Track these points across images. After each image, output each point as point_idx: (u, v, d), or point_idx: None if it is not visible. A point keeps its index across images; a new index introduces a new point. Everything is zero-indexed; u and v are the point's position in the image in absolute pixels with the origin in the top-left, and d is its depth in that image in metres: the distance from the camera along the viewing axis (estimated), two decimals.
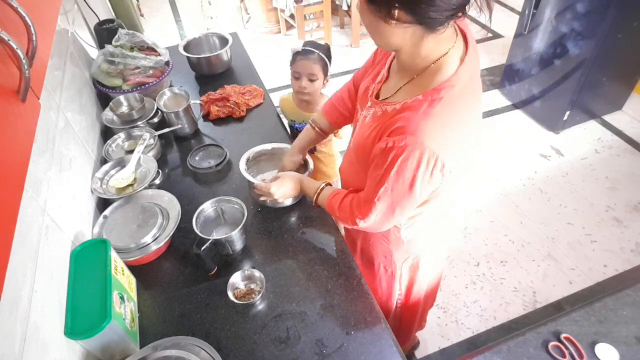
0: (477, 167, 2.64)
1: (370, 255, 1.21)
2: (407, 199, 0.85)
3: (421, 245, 1.13)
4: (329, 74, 1.47)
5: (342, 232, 1.45)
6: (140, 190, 1.23)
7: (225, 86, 1.73)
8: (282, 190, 1.13)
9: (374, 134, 0.86)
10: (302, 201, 1.27)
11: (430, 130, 0.75)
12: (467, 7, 0.73)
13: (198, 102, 1.62)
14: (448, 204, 1.06)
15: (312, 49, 1.40)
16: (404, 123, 0.77)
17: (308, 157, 1.31)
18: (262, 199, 1.18)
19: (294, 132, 1.63)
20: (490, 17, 0.75)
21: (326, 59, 1.42)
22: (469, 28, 0.84)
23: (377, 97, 0.93)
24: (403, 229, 1.05)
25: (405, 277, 1.23)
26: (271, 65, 3.70)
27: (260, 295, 1.01)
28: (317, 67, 1.41)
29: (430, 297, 1.43)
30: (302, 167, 1.30)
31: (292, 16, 3.80)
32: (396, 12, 0.70)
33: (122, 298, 0.93)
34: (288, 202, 1.24)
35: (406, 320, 1.43)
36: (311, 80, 1.43)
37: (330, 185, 1.11)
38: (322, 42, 1.47)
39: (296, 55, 1.43)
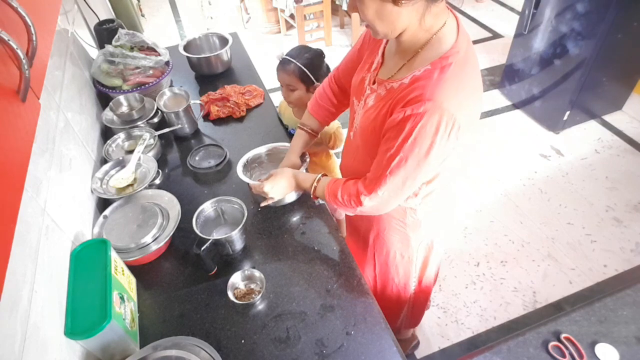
0: (477, 167, 2.64)
1: (385, 247, 1.22)
2: (421, 167, 0.85)
3: (436, 223, 1.15)
4: (317, 82, 1.40)
5: (344, 233, 1.46)
6: (140, 190, 1.23)
7: (225, 86, 1.73)
8: (277, 188, 1.12)
9: (384, 111, 0.88)
10: (303, 201, 1.27)
11: (447, 94, 0.77)
12: None
13: (198, 102, 1.62)
14: (452, 179, 1.08)
15: (290, 59, 1.37)
16: (420, 91, 0.79)
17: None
18: (263, 204, 1.17)
19: (290, 136, 1.63)
20: None
21: (305, 69, 1.36)
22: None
23: (374, 83, 0.95)
24: (419, 210, 1.07)
25: (420, 260, 1.25)
26: (271, 65, 3.68)
27: (260, 295, 1.01)
28: (293, 78, 1.38)
29: (435, 280, 1.46)
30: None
31: (292, 16, 3.80)
32: None
33: (122, 298, 0.93)
34: (291, 198, 1.24)
35: (419, 303, 1.45)
36: (291, 90, 1.42)
37: (326, 175, 1.11)
38: (314, 48, 1.43)
39: (278, 65, 1.43)
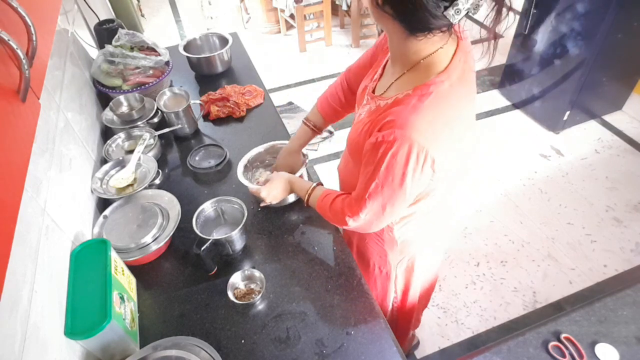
0: (476, 167, 2.64)
1: (366, 255, 1.21)
2: (397, 195, 0.83)
3: (415, 246, 1.12)
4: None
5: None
6: (140, 190, 1.23)
7: (225, 86, 1.73)
8: (273, 193, 1.13)
9: (366, 129, 0.86)
10: (302, 201, 1.26)
11: (418, 124, 0.74)
12: (450, 28, 0.75)
13: (198, 102, 1.62)
14: (443, 206, 1.05)
15: None
16: (393, 117, 0.77)
17: (304, 152, 1.28)
18: (263, 204, 1.17)
19: None
20: (493, 52, 0.78)
21: None
22: (463, 31, 0.85)
23: (372, 92, 0.94)
24: (396, 229, 1.04)
25: (401, 280, 1.23)
26: (271, 65, 3.70)
27: (260, 295, 1.01)
28: None
29: (425, 298, 1.43)
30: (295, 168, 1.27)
31: (292, 16, 3.80)
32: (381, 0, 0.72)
33: (122, 298, 0.93)
34: (292, 197, 1.24)
35: (402, 322, 1.43)
36: None
37: (322, 185, 1.10)
38: None
39: None
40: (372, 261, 1.20)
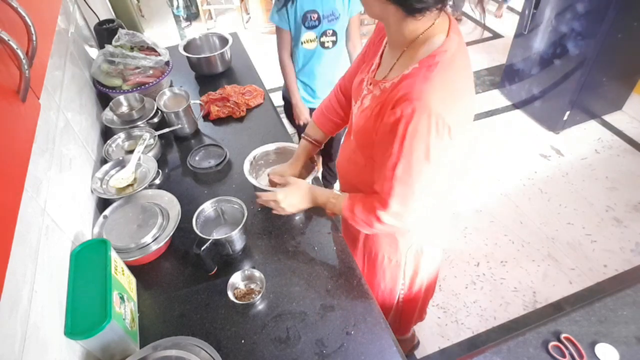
0: (476, 167, 2.64)
1: (374, 248, 1.20)
2: (426, 171, 0.82)
3: (425, 232, 1.12)
4: None
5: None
6: (140, 190, 1.23)
7: (225, 86, 1.73)
8: (291, 201, 1.06)
9: (375, 112, 0.87)
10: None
11: (433, 93, 0.76)
12: (446, 3, 0.77)
13: (198, 102, 1.62)
14: (447, 200, 1.06)
15: None
16: (406, 90, 0.77)
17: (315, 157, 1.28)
18: (273, 211, 1.09)
19: None
20: (483, 15, 0.81)
21: None
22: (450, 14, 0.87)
23: (370, 84, 0.95)
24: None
25: (410, 266, 1.22)
26: (271, 65, 3.69)
27: (260, 295, 1.01)
28: None
29: (431, 288, 1.43)
30: (306, 169, 1.26)
31: None
32: None
33: (122, 298, 0.93)
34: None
35: (407, 312, 1.43)
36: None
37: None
38: None
39: None
40: (380, 253, 1.20)
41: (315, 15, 1.61)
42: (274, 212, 1.12)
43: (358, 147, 1.01)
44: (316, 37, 1.67)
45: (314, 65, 1.76)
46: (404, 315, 1.43)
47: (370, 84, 0.95)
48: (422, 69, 0.78)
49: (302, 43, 1.69)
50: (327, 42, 1.70)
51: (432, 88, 0.76)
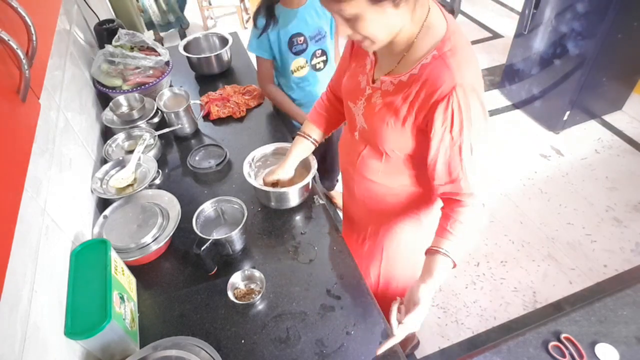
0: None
1: (396, 238, 1.20)
2: (485, 140, 0.87)
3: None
4: None
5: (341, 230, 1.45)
6: (140, 190, 1.23)
7: (225, 86, 1.73)
8: (422, 318, 0.86)
9: (403, 104, 0.88)
10: (302, 201, 1.26)
11: (468, 74, 0.81)
12: None
13: (198, 102, 1.62)
14: None
15: None
16: (443, 78, 0.81)
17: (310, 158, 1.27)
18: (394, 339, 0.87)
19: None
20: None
21: None
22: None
23: (373, 82, 0.96)
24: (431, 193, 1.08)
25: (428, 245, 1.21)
26: None
27: (260, 295, 1.01)
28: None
29: None
30: (302, 171, 1.26)
31: None
32: None
33: (122, 298, 0.93)
34: (295, 201, 1.23)
35: None
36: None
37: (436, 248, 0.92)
38: None
39: None
40: (403, 240, 1.20)
41: (302, 39, 1.49)
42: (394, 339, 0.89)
43: (373, 144, 1.02)
44: (306, 62, 1.56)
45: (311, 91, 1.64)
46: None
47: (373, 81, 0.95)
48: (445, 55, 0.81)
49: (292, 72, 1.56)
50: (319, 63, 1.59)
51: (465, 69, 0.81)
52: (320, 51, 1.57)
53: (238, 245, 1.12)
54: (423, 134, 0.90)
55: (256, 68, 1.59)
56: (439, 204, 1.10)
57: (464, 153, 0.86)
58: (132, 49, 1.69)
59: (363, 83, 0.98)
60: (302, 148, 1.23)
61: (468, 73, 0.81)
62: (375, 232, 1.25)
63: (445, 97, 0.81)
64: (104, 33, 1.80)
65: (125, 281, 0.99)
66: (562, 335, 0.96)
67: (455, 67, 0.80)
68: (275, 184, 1.22)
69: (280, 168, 1.21)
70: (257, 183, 1.22)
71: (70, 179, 1.12)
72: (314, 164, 1.26)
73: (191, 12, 4.58)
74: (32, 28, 0.69)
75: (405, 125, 0.91)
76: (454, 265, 0.89)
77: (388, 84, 0.91)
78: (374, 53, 0.96)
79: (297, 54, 1.52)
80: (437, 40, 0.83)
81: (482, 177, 0.90)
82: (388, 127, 0.93)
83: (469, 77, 0.81)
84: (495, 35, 3.92)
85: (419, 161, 0.96)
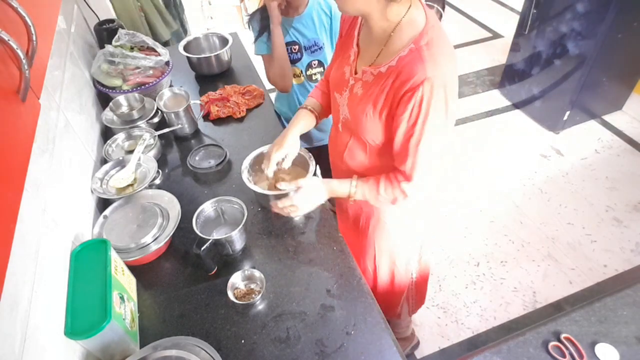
0: (476, 167, 2.64)
1: (385, 231, 1.23)
2: (442, 139, 0.92)
3: (427, 207, 1.23)
4: None
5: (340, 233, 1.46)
6: (140, 190, 1.23)
7: (225, 86, 1.73)
8: (308, 198, 1.05)
9: (380, 95, 0.92)
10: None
11: (440, 68, 0.83)
12: None
13: (198, 102, 1.62)
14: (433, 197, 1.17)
15: None
16: (415, 71, 0.83)
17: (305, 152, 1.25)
18: (293, 214, 1.07)
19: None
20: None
21: None
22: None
23: (356, 72, 0.99)
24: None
25: (420, 239, 1.29)
26: None
27: (260, 295, 1.01)
28: None
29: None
30: (302, 164, 1.24)
31: None
32: None
33: (122, 298, 0.93)
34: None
35: (421, 285, 1.49)
36: None
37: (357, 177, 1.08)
38: None
39: None
40: (393, 233, 1.23)
41: (296, 47, 1.50)
42: (292, 214, 1.09)
43: (357, 134, 1.04)
44: (301, 71, 1.56)
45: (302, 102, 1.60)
46: (419, 288, 1.49)
47: (356, 72, 0.98)
48: (421, 48, 0.84)
49: None
50: (315, 74, 1.58)
51: (439, 63, 0.83)
52: (316, 62, 1.57)
53: (238, 245, 1.12)
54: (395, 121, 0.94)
55: (265, 68, 1.58)
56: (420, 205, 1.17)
57: (413, 143, 0.91)
58: (132, 49, 1.69)
59: (347, 74, 1.01)
60: (305, 119, 1.18)
61: (440, 68, 0.83)
62: (366, 226, 1.27)
63: (414, 89, 0.84)
64: (104, 33, 1.80)
65: (125, 281, 0.99)
66: (562, 335, 0.96)
67: (428, 60, 0.83)
68: (277, 177, 1.21)
69: (284, 140, 1.13)
70: (258, 187, 1.20)
71: (70, 179, 1.12)
72: (313, 164, 1.26)
73: (191, 12, 4.59)
74: (32, 28, 0.69)
75: (382, 116, 0.94)
76: (349, 196, 1.06)
77: (369, 75, 0.94)
78: (357, 44, 0.99)
79: (292, 62, 1.54)
80: (415, 33, 0.86)
81: (425, 171, 0.96)
82: (367, 117, 0.97)
83: (440, 72, 0.83)
84: (495, 35, 3.92)
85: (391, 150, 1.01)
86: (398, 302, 1.48)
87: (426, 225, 1.28)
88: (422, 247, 1.34)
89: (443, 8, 0.87)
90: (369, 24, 0.91)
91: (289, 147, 1.13)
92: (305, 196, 1.06)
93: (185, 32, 2.71)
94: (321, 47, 1.54)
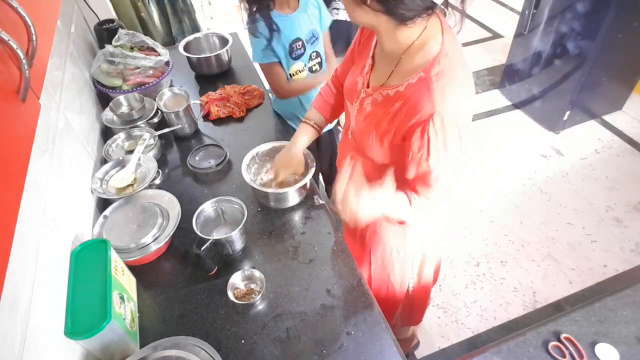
0: (477, 167, 2.64)
1: (381, 243, 1.22)
2: (452, 165, 0.88)
3: (431, 220, 1.17)
4: None
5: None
6: (140, 190, 1.23)
7: (225, 86, 1.73)
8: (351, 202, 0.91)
9: (386, 118, 0.89)
10: (302, 201, 1.27)
11: (451, 100, 0.79)
12: (435, 8, 0.77)
13: (198, 102, 1.62)
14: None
15: None
16: (425, 102, 0.80)
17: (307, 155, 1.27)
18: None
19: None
20: (462, 20, 0.83)
21: None
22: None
23: (368, 86, 0.96)
24: None
25: (417, 256, 1.25)
26: None
27: (260, 295, 1.01)
28: None
29: (436, 274, 1.46)
30: (305, 166, 1.26)
31: None
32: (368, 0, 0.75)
33: (122, 298, 0.93)
34: (294, 200, 1.24)
35: (419, 300, 1.45)
36: None
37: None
38: None
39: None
40: (388, 246, 1.22)
41: (300, 43, 1.49)
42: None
43: (360, 149, 1.02)
44: (304, 66, 1.55)
45: (308, 94, 1.61)
46: (416, 304, 1.46)
47: (368, 87, 0.96)
48: (430, 79, 0.80)
49: (290, 76, 1.55)
50: (314, 65, 1.59)
51: (447, 97, 0.79)
52: (315, 53, 1.57)
53: (238, 245, 1.12)
54: (400, 149, 0.91)
55: (265, 76, 1.57)
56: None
57: (432, 179, 0.88)
58: (132, 49, 1.69)
59: (359, 85, 0.99)
60: (309, 134, 1.22)
61: (451, 101, 0.79)
62: (363, 235, 1.26)
63: (423, 123, 0.81)
64: (104, 33, 1.80)
65: (125, 281, 0.99)
66: (562, 335, 0.96)
67: (437, 93, 0.79)
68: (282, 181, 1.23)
69: (292, 162, 1.20)
70: (257, 184, 1.21)
71: (70, 179, 1.12)
72: (313, 164, 1.26)
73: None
74: (32, 28, 0.69)
75: (383, 143, 0.93)
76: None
77: (379, 94, 0.92)
78: (373, 57, 0.96)
79: (296, 58, 1.52)
80: (427, 59, 0.81)
81: (439, 199, 0.94)
82: (370, 138, 0.95)
83: (451, 106, 0.79)
84: (495, 35, 3.92)
85: (398, 171, 0.95)
86: (392, 315, 1.46)
87: (427, 242, 1.24)
88: (424, 261, 1.28)
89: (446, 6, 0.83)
90: (381, 41, 0.89)
91: (296, 165, 1.22)
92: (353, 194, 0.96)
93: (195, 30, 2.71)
94: (317, 37, 1.54)
